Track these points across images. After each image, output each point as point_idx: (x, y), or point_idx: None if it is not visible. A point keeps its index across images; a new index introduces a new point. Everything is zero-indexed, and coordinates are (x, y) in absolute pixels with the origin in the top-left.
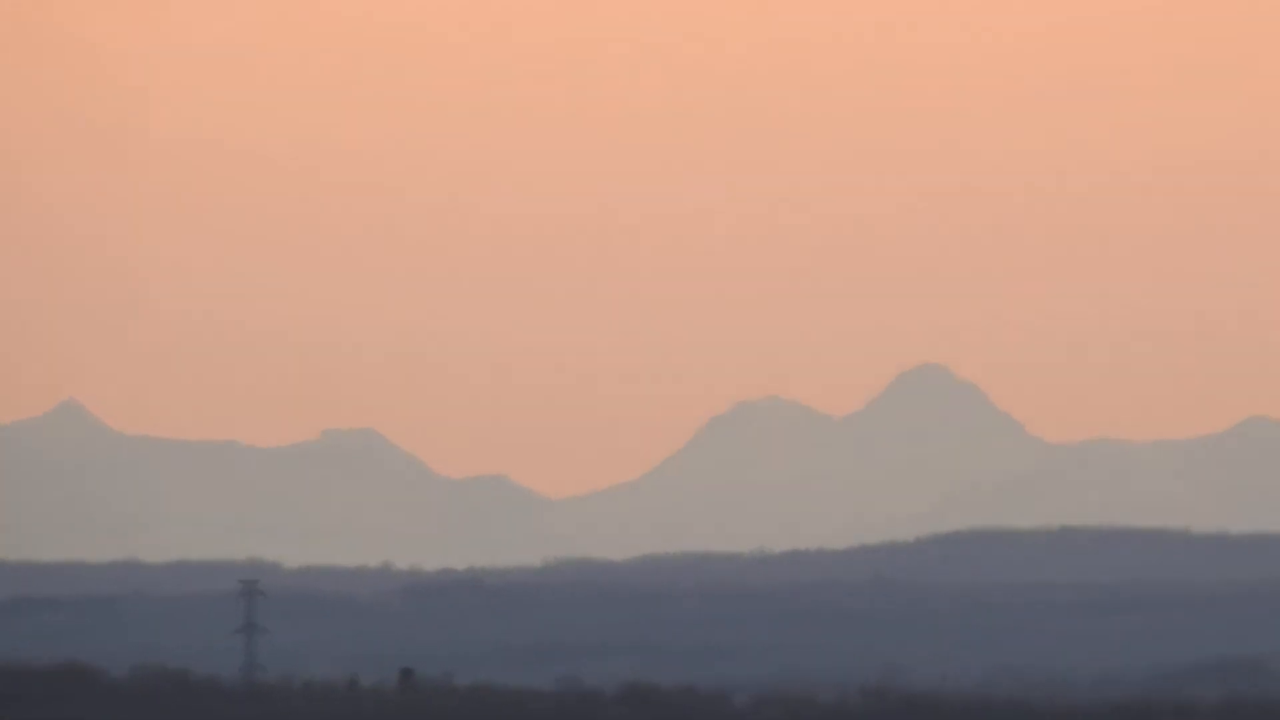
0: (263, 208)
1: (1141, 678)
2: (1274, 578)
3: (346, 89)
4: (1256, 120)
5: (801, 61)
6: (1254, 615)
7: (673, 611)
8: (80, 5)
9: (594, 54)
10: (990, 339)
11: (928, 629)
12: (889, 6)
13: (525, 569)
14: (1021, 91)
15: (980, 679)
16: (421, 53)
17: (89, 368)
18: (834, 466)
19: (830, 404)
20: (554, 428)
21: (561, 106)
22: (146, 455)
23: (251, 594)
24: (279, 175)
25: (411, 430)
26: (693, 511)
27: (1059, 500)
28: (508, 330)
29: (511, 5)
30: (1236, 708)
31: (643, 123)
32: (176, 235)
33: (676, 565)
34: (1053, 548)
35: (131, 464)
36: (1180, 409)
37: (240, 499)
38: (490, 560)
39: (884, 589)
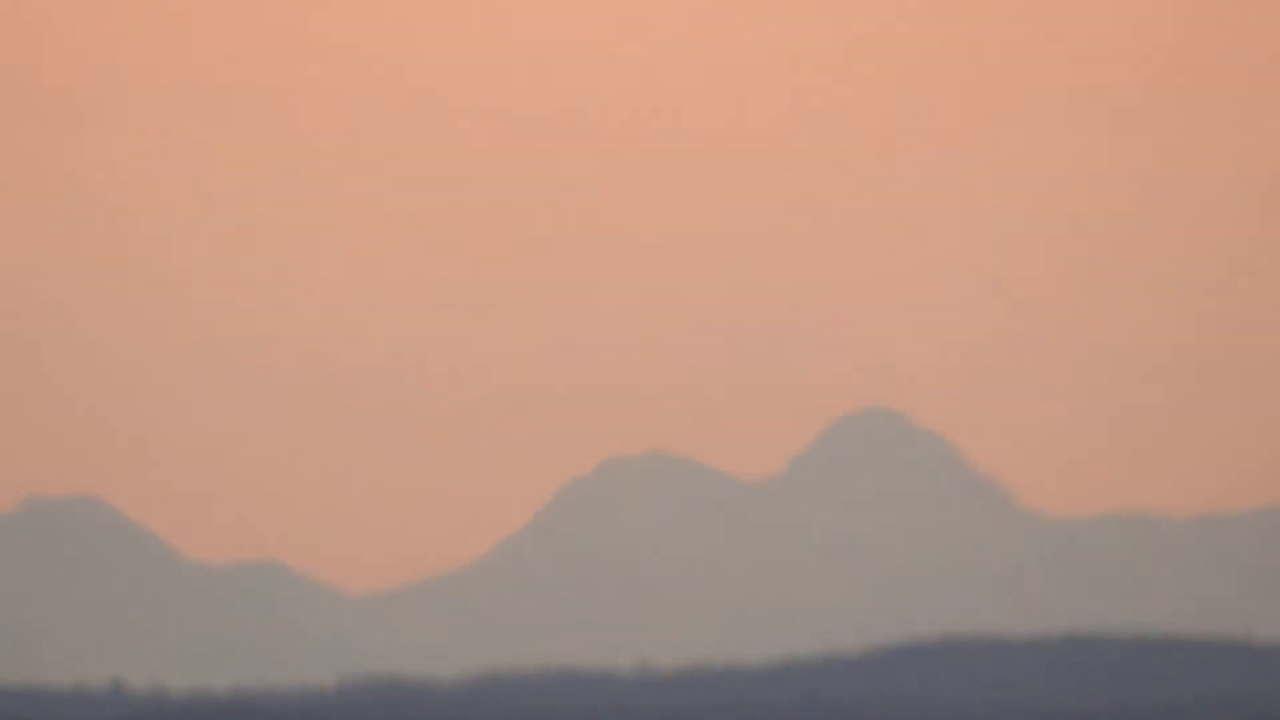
0: None
1: None
2: None
3: None
4: None
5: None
6: None
7: None
8: None
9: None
10: (963, 376)
11: None
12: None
13: (312, 692)
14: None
15: None
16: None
17: None
18: (746, 550)
19: (740, 463)
20: (351, 498)
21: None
22: None
23: None
24: None
25: (150, 499)
26: (545, 612)
27: (1064, 598)
28: (285, 367)
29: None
30: None
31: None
32: None
33: (524, 687)
34: (1056, 664)
35: None
36: (1235, 473)
37: None
38: (263, 679)
39: (820, 718)
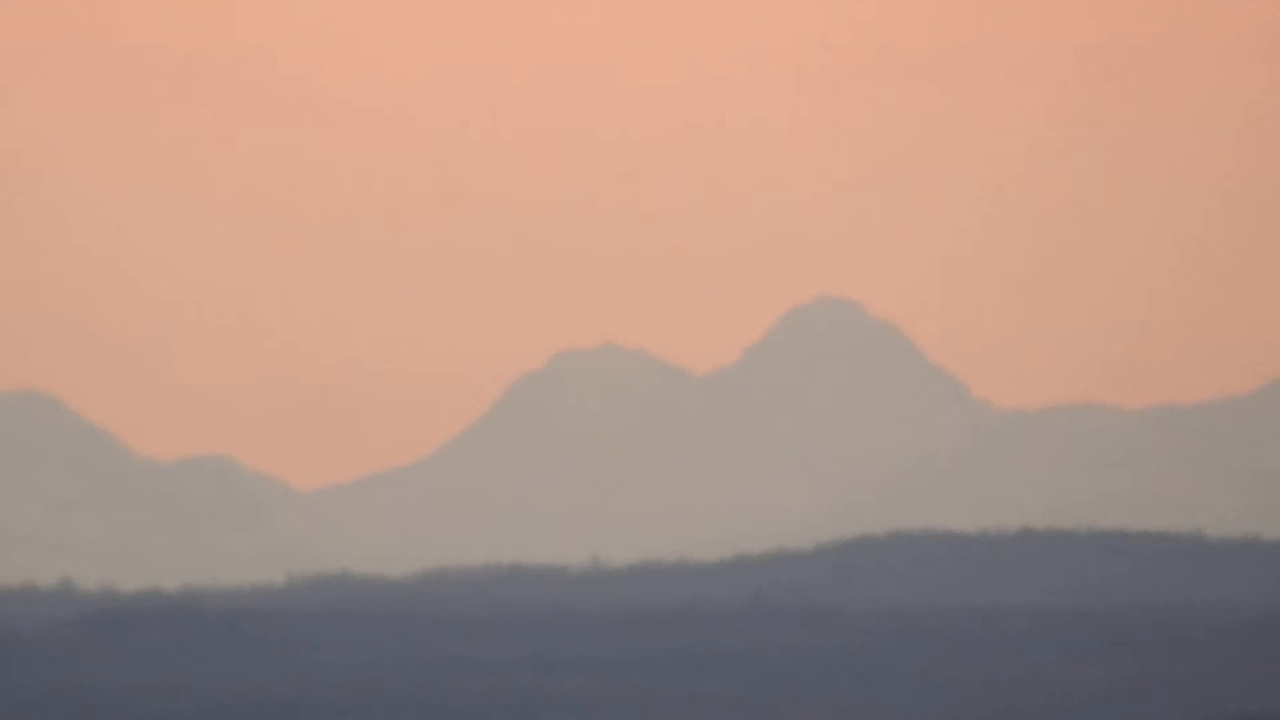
0: None
1: None
2: None
3: None
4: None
5: None
6: None
7: (473, 648)
8: None
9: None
10: (918, 265)
11: (829, 671)
12: None
13: (262, 589)
14: None
15: None
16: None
17: None
18: (695, 443)
19: (689, 355)
20: (300, 393)
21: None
22: None
23: None
24: None
25: (98, 394)
26: (495, 508)
27: (1016, 492)
28: (235, 254)
29: None
30: None
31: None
32: None
33: (476, 583)
34: (1008, 558)
35: None
36: (1189, 364)
37: None
38: (213, 577)
39: (768, 616)
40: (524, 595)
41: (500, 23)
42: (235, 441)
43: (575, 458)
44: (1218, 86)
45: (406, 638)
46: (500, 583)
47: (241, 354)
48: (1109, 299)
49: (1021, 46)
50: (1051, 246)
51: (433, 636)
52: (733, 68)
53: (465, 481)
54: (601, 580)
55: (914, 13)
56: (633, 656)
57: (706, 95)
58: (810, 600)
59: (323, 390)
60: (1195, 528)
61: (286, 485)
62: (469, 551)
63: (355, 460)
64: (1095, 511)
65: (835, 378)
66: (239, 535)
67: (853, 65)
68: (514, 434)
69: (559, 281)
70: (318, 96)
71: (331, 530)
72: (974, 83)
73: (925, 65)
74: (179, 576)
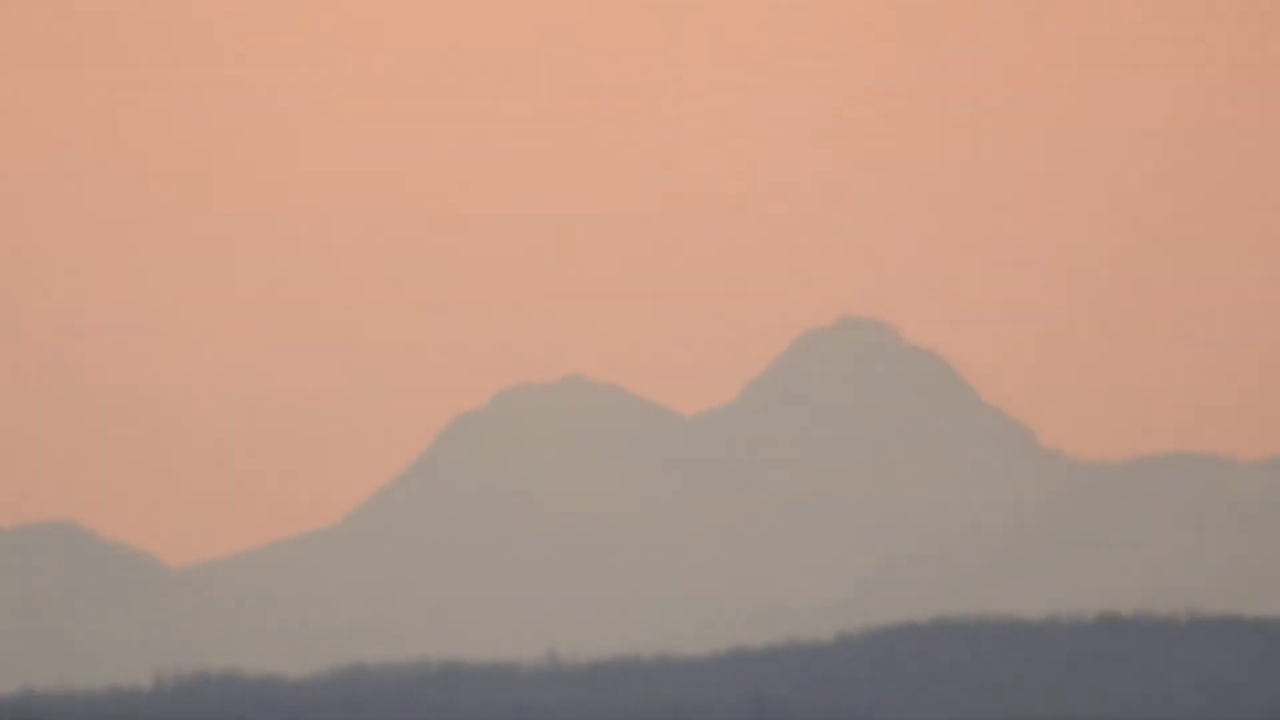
0: None
1: None
2: None
3: None
4: None
5: None
6: None
7: None
8: None
9: None
10: (965, 276)
11: None
12: None
13: (124, 695)
14: None
15: None
16: None
17: None
18: (681, 503)
19: (674, 390)
20: (169, 440)
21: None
22: None
23: None
24: None
25: None
26: (425, 587)
27: (1097, 567)
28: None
29: None
30: None
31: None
32: None
33: (401, 686)
34: (1086, 654)
35: None
36: None
37: None
38: (59, 678)
39: None
40: (463, 701)
41: (473, 26)
42: (85, 504)
43: (527, 521)
44: None
45: None
46: (432, 685)
47: (89, 392)
48: (1216, 327)
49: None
50: (1143, 260)
51: None
52: (737, 51)
53: (386, 553)
54: (561, 681)
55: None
56: None
57: (700, 82)
58: (830, 709)
59: (201, 437)
60: None
61: (153, 559)
62: (392, 644)
63: (244, 526)
64: (1199, 593)
65: (861, 420)
66: (91, 624)
67: (879, 48)
68: (447, 492)
69: (506, 301)
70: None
71: (213, 617)
72: (1040, 72)
73: (971, 55)
74: (12, 678)
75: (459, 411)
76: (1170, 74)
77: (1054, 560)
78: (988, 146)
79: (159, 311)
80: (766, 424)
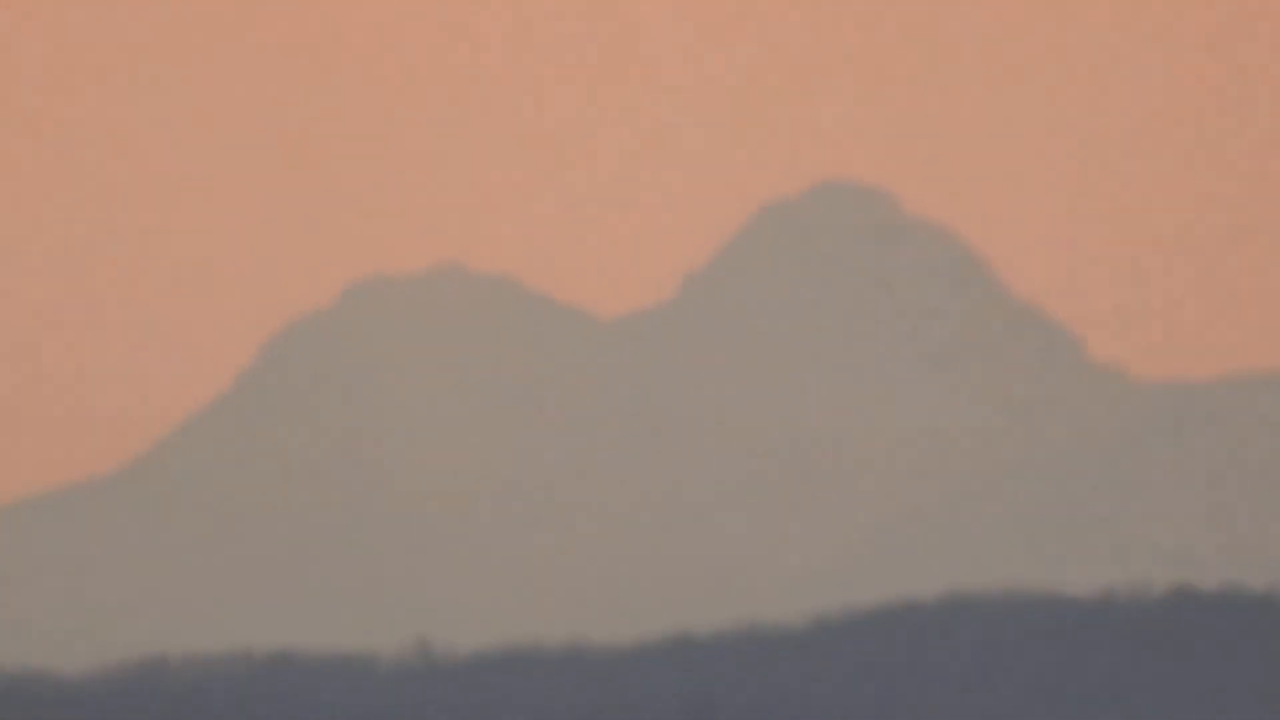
0: None
1: None
2: None
3: None
4: None
5: None
6: None
7: None
8: None
9: None
10: (989, 142)
11: None
12: None
13: None
14: None
15: None
16: None
17: None
18: (595, 442)
19: (590, 287)
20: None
21: None
22: None
23: None
24: None
25: None
26: (244, 558)
27: (1168, 526)
28: None
29: None
30: None
31: None
32: None
33: (211, 683)
34: (1158, 637)
35: None
36: None
37: None
38: None
39: None
40: (301, 704)
41: None
42: None
43: (382, 466)
44: None
45: None
46: (257, 684)
47: None
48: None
49: None
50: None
51: None
52: None
53: (188, 512)
54: (432, 679)
55: None
56: None
57: None
58: (809, 699)
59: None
60: None
61: None
62: (199, 632)
63: (29, 464)
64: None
65: (842, 323)
66: None
67: None
68: (270, 423)
69: (354, 176)
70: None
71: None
72: None
73: None
74: None
75: (292, 314)
76: None
77: (1108, 516)
78: None
79: None
80: (712, 331)
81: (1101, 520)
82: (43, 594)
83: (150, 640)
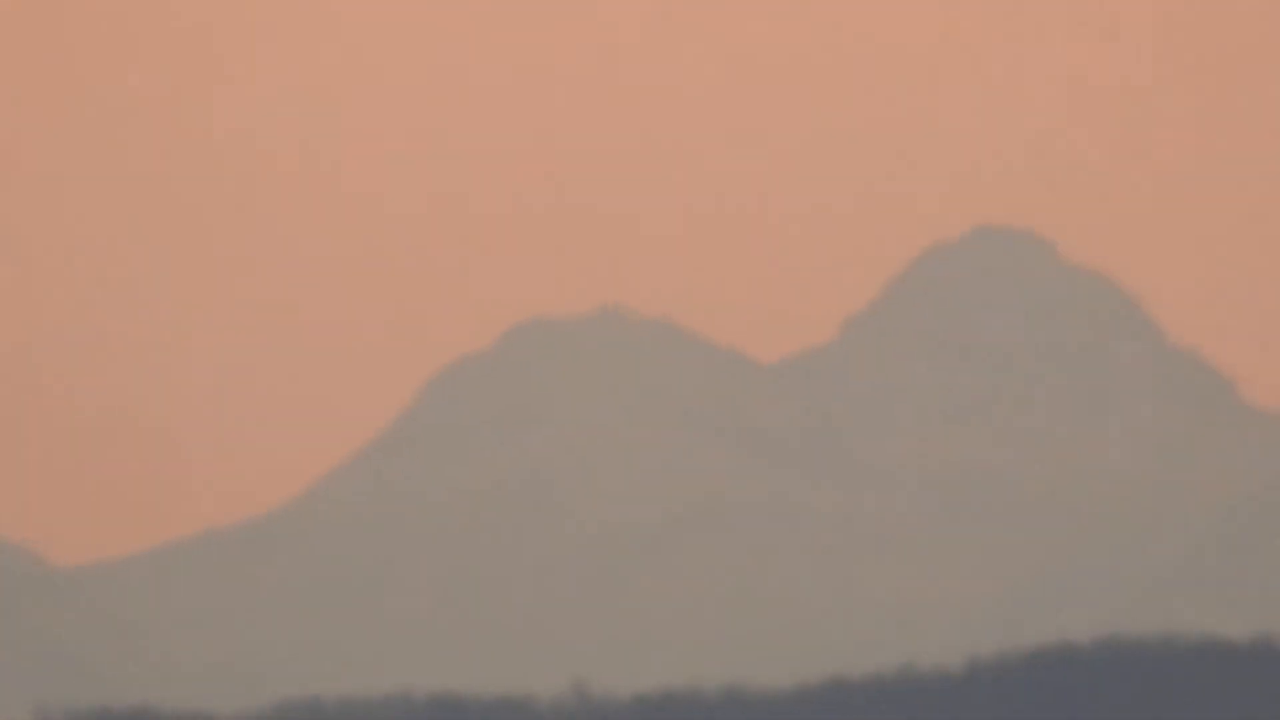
0: None
1: None
2: None
3: None
4: None
5: None
6: None
7: None
8: None
9: None
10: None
11: None
12: None
13: None
14: None
15: None
16: None
17: None
18: (755, 483)
19: (747, 330)
20: (53, 414)
21: None
22: None
23: None
24: None
25: None
26: (404, 596)
27: None
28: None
29: None
30: None
31: None
32: None
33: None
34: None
35: None
36: None
37: None
38: None
39: None
40: None
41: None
42: None
43: (544, 505)
44: None
45: None
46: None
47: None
48: None
49: None
50: None
51: None
52: None
53: (347, 548)
54: (599, 713)
55: None
56: None
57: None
58: None
59: (98, 398)
60: None
61: (34, 555)
62: (359, 672)
63: (157, 514)
64: None
65: (1003, 366)
66: None
67: None
68: (432, 465)
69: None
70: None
71: (115, 634)
72: None
73: None
74: None
75: (453, 355)
76: None
77: (1266, 559)
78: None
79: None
80: (872, 372)
81: (1259, 563)
82: (200, 635)
83: (306, 682)
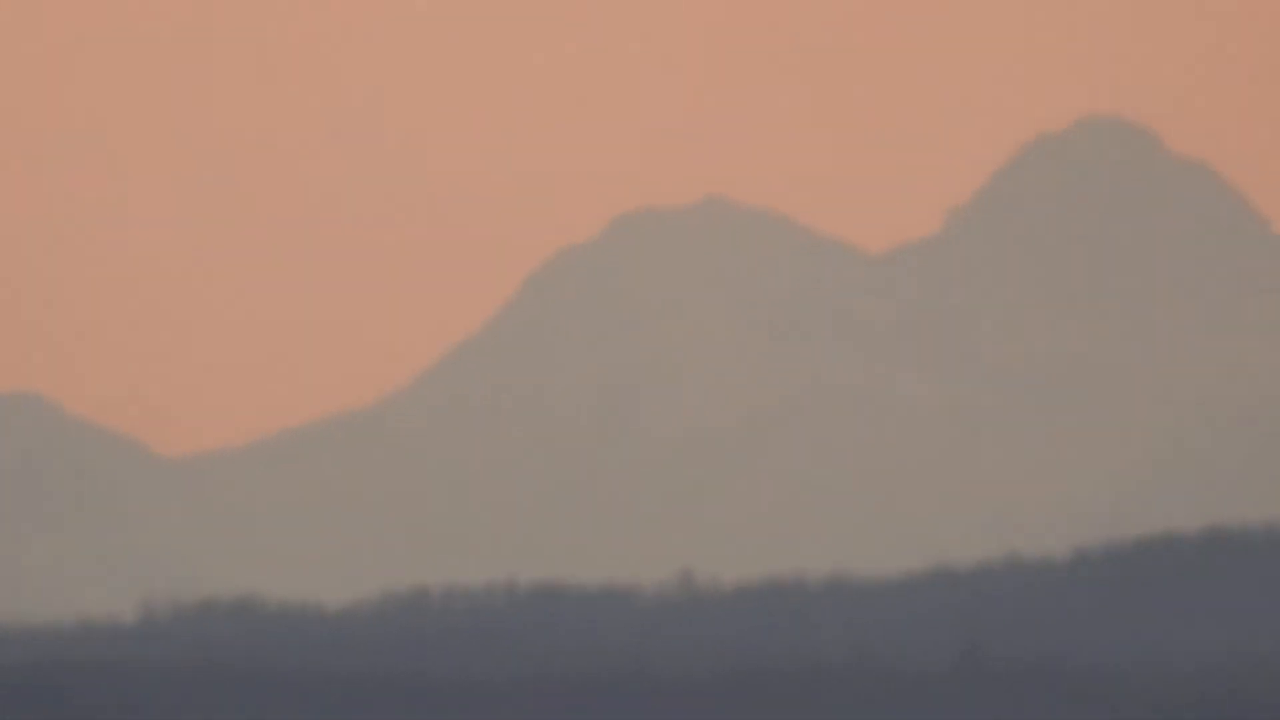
0: None
1: None
2: None
3: None
4: None
5: None
6: None
7: None
8: None
9: None
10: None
11: None
12: None
13: (99, 629)
14: None
15: None
16: None
17: None
18: (862, 374)
19: (851, 220)
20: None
21: None
22: None
23: None
24: None
25: None
26: (506, 486)
27: None
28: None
29: None
30: None
31: None
32: None
33: (476, 615)
34: None
35: None
36: None
37: None
38: (7, 604)
39: (992, 683)
40: (567, 633)
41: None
42: (51, 372)
43: (653, 394)
44: None
45: (348, 711)
46: (521, 615)
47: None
48: None
49: None
50: None
51: (397, 714)
52: None
53: (452, 440)
54: (696, 609)
55: None
56: None
57: None
58: (1063, 646)
59: (209, 288)
60: None
61: (140, 446)
62: (463, 563)
63: (262, 405)
64: None
65: (1110, 259)
66: (56, 532)
67: None
68: (536, 355)
69: (635, 114)
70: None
71: (220, 526)
72: None
73: None
74: None
75: (559, 245)
76: None
77: None
78: None
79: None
80: (979, 264)
81: None
82: (307, 527)
83: (413, 573)
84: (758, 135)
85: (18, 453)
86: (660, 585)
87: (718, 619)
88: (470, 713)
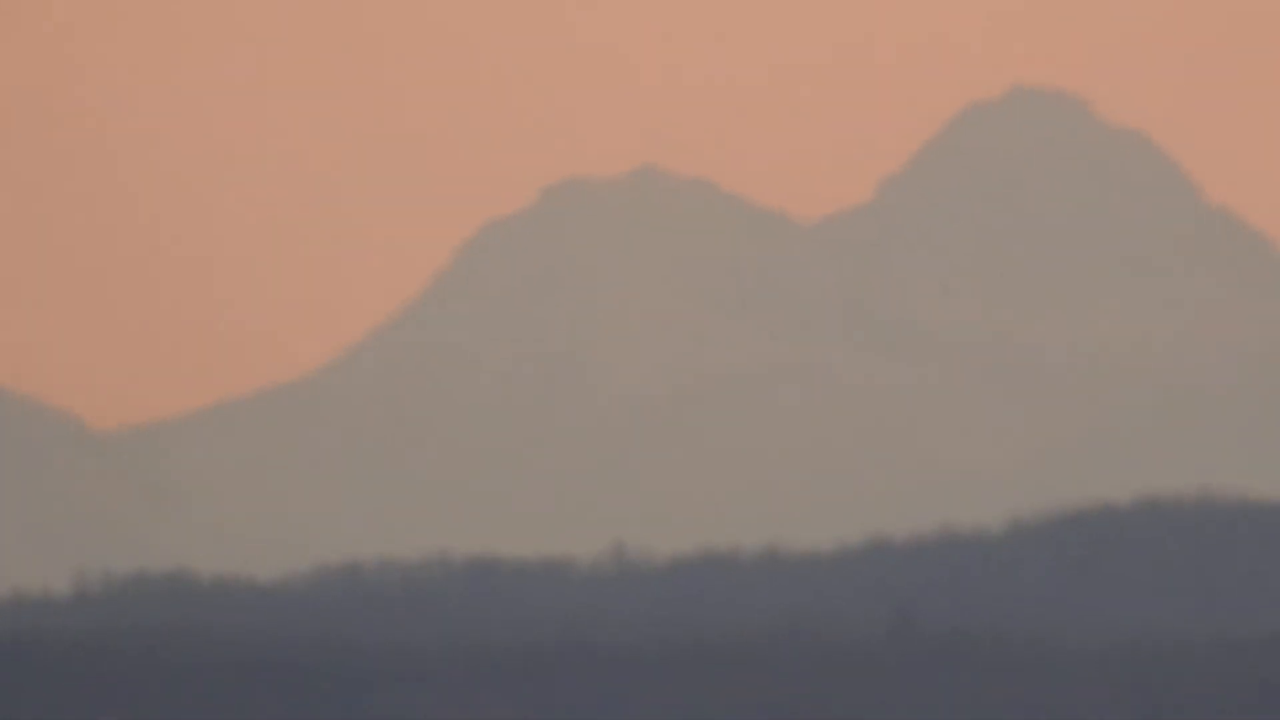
0: None
1: None
2: None
3: None
4: None
5: None
6: None
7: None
8: None
9: None
10: (1183, 45)
11: None
12: None
13: (31, 602)
14: None
15: None
16: None
17: None
18: (794, 344)
19: (785, 190)
20: (93, 273)
21: None
22: None
23: None
24: None
25: None
26: (440, 462)
27: None
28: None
29: None
30: None
31: None
32: None
33: (409, 589)
34: None
35: None
36: None
37: None
38: None
39: (925, 655)
40: (499, 609)
41: None
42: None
43: (584, 365)
44: None
45: (280, 684)
46: (455, 589)
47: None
48: None
49: None
50: None
51: (330, 687)
52: None
53: (384, 414)
54: (629, 583)
55: None
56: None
57: None
58: (996, 619)
59: (138, 251)
60: None
61: (74, 420)
62: (395, 538)
63: (194, 379)
64: None
65: (1042, 227)
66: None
67: None
68: (467, 328)
69: (563, 83)
70: None
71: (152, 499)
72: None
73: None
74: None
75: (489, 216)
76: None
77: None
78: None
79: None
80: (911, 234)
81: None
82: (238, 500)
83: (344, 546)
84: (689, 103)
85: None
86: (594, 557)
87: (652, 591)
88: (404, 686)
